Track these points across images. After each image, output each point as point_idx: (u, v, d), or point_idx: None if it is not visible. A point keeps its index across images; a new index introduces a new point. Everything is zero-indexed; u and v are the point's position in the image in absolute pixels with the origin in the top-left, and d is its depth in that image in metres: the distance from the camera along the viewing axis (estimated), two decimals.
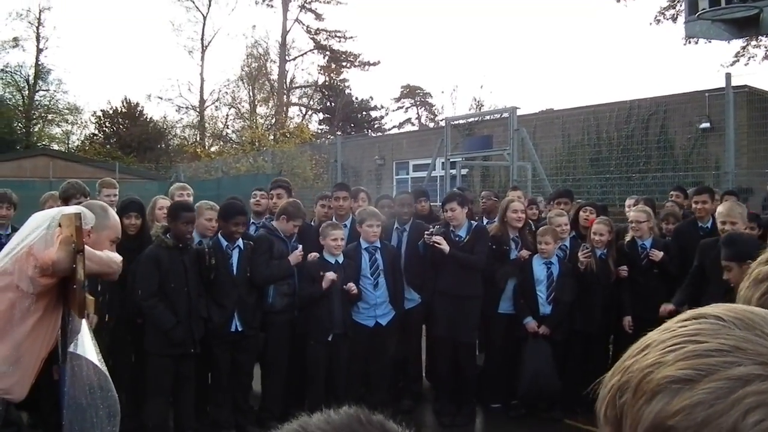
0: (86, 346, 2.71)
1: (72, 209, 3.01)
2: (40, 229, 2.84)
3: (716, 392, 0.69)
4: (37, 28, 38.49)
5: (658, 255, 6.51)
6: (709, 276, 5.61)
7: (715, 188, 8.23)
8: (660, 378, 0.73)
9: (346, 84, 45.82)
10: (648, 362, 0.77)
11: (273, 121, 37.82)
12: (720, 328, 0.76)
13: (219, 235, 6.23)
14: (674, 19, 24.02)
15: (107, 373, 2.72)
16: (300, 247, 6.39)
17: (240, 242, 6.22)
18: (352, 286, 6.26)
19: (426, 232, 6.43)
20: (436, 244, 6.32)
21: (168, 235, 5.82)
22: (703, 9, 7.26)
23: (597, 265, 6.61)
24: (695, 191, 7.56)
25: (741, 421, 0.66)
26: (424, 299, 6.82)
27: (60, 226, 2.82)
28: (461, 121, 19.53)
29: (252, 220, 7.07)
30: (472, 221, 6.88)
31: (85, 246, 2.84)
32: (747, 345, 0.72)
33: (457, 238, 6.54)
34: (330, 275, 6.13)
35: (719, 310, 0.79)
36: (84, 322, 2.79)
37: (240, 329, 6.15)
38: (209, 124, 41.26)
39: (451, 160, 13.25)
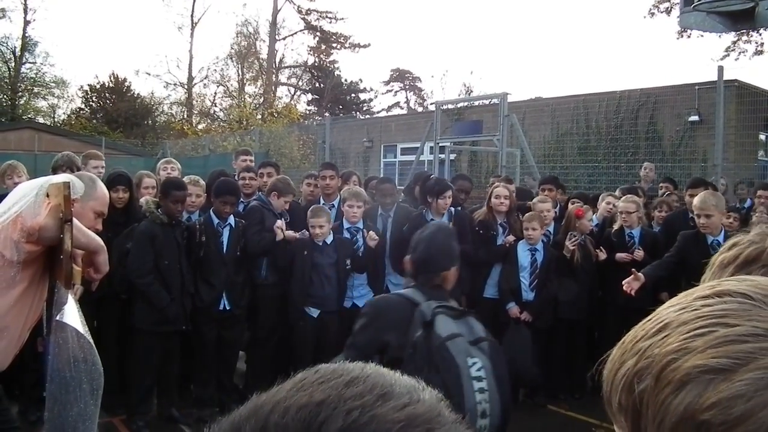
0: (72, 316, 2.67)
1: (60, 178, 2.96)
2: (28, 197, 2.78)
3: (756, 383, 0.63)
4: None
5: (639, 255, 6.52)
6: (689, 270, 5.58)
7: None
8: (690, 366, 0.67)
9: (336, 65, 45.71)
10: (672, 347, 0.70)
11: (261, 100, 37.70)
12: (750, 308, 0.70)
13: (211, 212, 6.18)
14: (668, 12, 24.05)
15: (92, 343, 2.69)
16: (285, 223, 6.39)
17: (231, 220, 6.16)
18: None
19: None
20: None
21: (159, 211, 5.76)
22: (699, 0, 7.24)
23: (581, 253, 6.64)
24: (691, 184, 7.56)
25: None
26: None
27: (48, 195, 2.77)
28: (451, 106, 19.47)
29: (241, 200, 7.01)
30: (452, 207, 6.84)
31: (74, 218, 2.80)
32: None
33: None
34: (279, 223, 6.19)
35: (744, 287, 0.73)
36: (70, 293, 2.76)
37: (228, 308, 6.11)
38: (197, 101, 41.05)
39: (440, 144, 13.21)
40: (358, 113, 42.95)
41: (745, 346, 0.65)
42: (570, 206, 7.34)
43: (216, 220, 6.11)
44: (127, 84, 39.45)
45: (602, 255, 6.71)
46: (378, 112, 44.85)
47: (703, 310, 0.72)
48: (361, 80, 47.42)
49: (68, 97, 41.36)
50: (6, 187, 6.25)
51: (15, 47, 38.10)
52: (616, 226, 6.85)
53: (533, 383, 6.64)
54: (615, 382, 0.75)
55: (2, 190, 6.02)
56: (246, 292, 6.27)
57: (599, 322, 6.95)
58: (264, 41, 42.23)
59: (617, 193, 8.09)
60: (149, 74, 46.38)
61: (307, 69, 44.47)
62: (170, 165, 7.53)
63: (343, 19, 44.39)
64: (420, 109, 41.65)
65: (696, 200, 5.86)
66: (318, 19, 43.65)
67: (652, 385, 0.70)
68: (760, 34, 22.58)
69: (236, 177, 7.27)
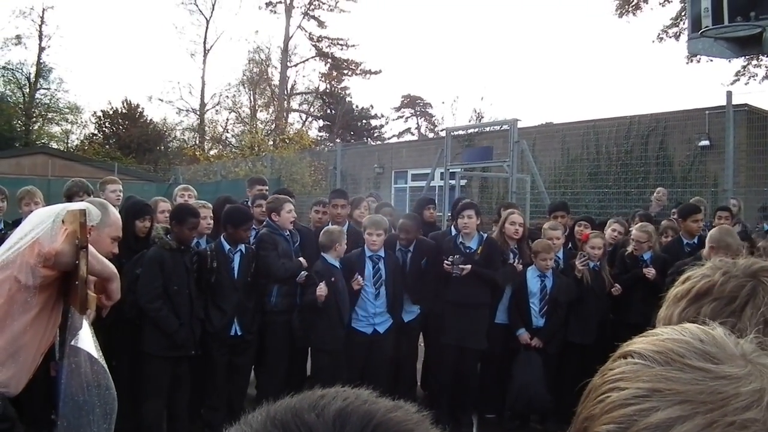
0: (86, 341, 2.71)
1: (77, 205, 3.02)
2: (45, 224, 2.84)
3: None
4: (40, 26, 38.67)
5: (650, 272, 6.52)
6: None
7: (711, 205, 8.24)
8: None
9: (347, 92, 46.00)
10: (584, 414, 0.75)
11: (273, 126, 37.89)
12: (640, 369, 0.73)
13: (222, 238, 6.21)
14: (677, 37, 24.09)
15: (106, 367, 2.72)
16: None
17: (242, 246, 6.20)
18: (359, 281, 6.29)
19: (446, 263, 6.37)
20: (458, 273, 6.32)
21: (169, 237, 5.81)
22: (706, 27, 7.24)
23: (591, 276, 6.65)
24: (689, 210, 7.50)
25: None
26: (423, 310, 6.81)
27: (64, 222, 2.83)
28: (461, 132, 19.56)
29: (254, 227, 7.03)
30: (483, 233, 6.84)
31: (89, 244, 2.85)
32: (663, 384, 0.70)
33: (467, 249, 6.52)
34: (321, 289, 6.04)
35: (642, 346, 0.77)
36: (84, 318, 2.80)
37: (239, 333, 6.13)
38: (209, 127, 41.35)
39: (450, 170, 13.26)
40: (369, 139, 43.17)
41: (628, 410, 0.70)
42: (576, 229, 7.40)
43: (227, 246, 6.14)
44: (139, 110, 39.88)
45: (616, 291, 6.70)
46: (389, 138, 45.07)
47: (608, 375, 0.77)
48: (372, 106, 47.75)
49: (81, 122, 41.91)
50: (22, 212, 6.32)
51: (30, 73, 38.71)
52: (629, 249, 6.88)
53: (544, 409, 6.62)
54: None
55: (18, 216, 6.08)
56: (257, 317, 6.29)
57: (612, 345, 6.91)
58: (276, 68, 42.60)
59: (636, 219, 8.09)
60: (162, 100, 46.87)
61: (319, 95, 44.75)
62: (188, 192, 7.59)
63: (354, 45, 44.68)
64: (431, 135, 41.84)
65: (715, 232, 5.57)
66: (329, 45, 44.04)
67: None
68: None
69: (249, 204, 7.32)
